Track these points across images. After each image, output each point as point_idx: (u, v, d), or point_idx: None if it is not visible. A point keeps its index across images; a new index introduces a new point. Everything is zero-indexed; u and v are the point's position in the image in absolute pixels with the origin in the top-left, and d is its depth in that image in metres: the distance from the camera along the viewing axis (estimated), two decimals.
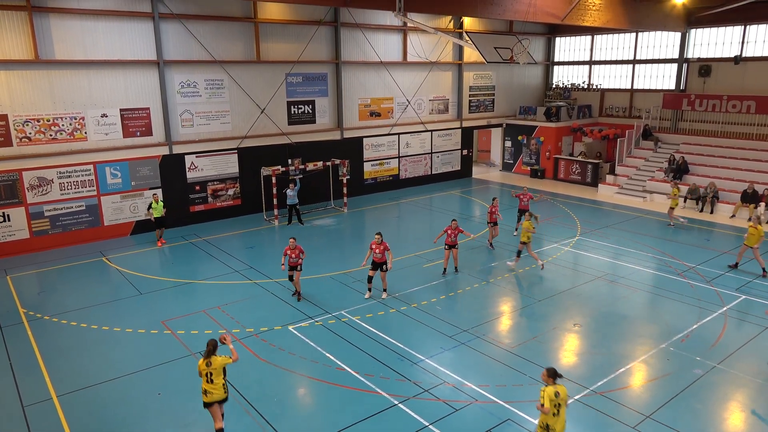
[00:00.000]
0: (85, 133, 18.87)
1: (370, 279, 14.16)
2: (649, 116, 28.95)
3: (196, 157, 21.15)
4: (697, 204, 23.25)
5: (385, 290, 14.25)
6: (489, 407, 9.59)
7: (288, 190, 21.00)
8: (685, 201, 23.55)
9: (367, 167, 26.35)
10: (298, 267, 13.91)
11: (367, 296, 14.16)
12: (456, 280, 15.43)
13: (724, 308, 13.52)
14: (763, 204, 21.53)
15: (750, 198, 21.93)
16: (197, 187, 21.36)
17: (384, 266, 14.01)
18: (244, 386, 10.24)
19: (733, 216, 22.11)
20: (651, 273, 16.04)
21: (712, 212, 22.79)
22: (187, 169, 20.98)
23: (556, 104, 30.95)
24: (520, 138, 31.27)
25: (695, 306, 13.67)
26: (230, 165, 22.00)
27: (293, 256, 13.79)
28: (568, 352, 11.77)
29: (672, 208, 20.51)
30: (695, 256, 17.24)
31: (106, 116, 19.15)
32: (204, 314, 13.35)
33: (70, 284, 15.53)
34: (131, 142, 19.79)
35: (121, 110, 19.41)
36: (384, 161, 26.93)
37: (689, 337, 12.15)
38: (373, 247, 13.93)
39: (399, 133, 27.20)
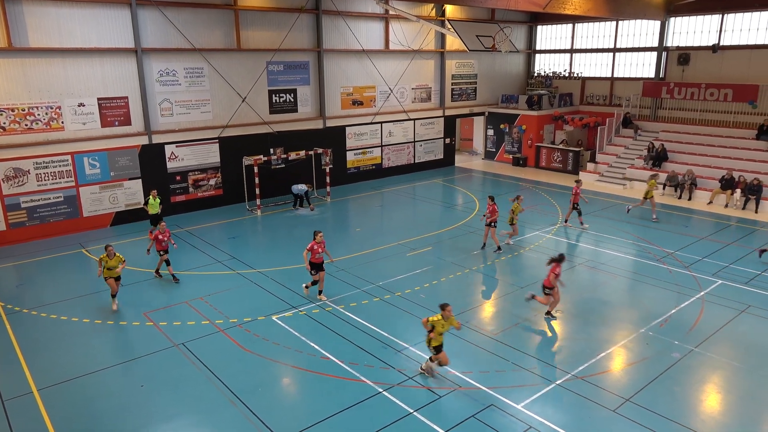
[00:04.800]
0: (62, 122, 18.51)
1: (315, 282, 13.41)
2: (629, 104, 29.23)
3: (177, 146, 20.88)
4: (676, 191, 23.61)
5: (321, 292, 13.46)
6: (472, 393, 9.70)
7: (301, 186, 21.53)
8: (664, 188, 23.89)
9: (350, 156, 26.26)
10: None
11: (323, 298, 13.41)
12: (438, 268, 15.49)
13: (702, 293, 13.79)
14: (738, 190, 21.93)
15: (727, 184, 22.32)
16: (178, 177, 21.12)
17: (321, 267, 13.25)
18: (228, 377, 10.23)
19: (710, 202, 22.50)
20: (631, 259, 16.28)
21: (690, 199, 23.16)
22: (167, 159, 20.72)
23: (537, 92, 31.09)
24: (502, 126, 31.39)
25: (674, 291, 13.92)
26: (211, 154, 21.77)
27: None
28: (551, 338, 11.92)
29: (646, 198, 19.80)
30: (674, 242, 17.52)
31: (84, 105, 18.80)
32: (187, 305, 13.26)
33: (48, 276, 15.30)
34: (109, 131, 19.47)
35: (98, 99, 19.06)
36: (367, 150, 26.85)
37: (668, 321, 12.38)
38: (315, 247, 12.96)
39: (382, 122, 27.13)
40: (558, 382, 10.04)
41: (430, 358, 10.16)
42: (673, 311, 12.86)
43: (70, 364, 10.83)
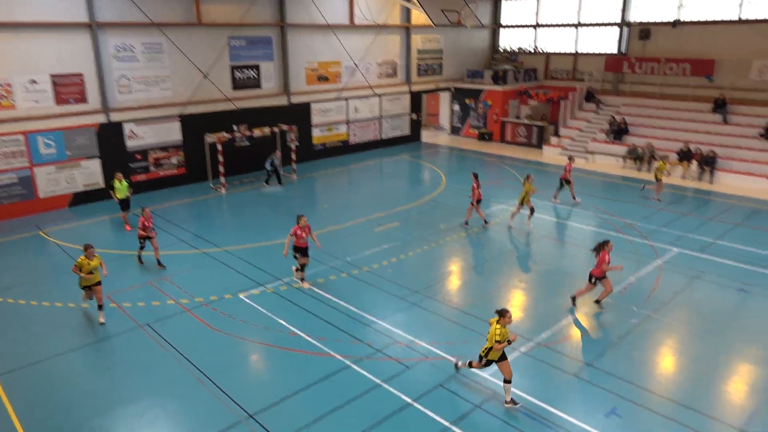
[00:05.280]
0: (13, 100, 17.76)
1: (303, 267, 12.90)
2: (592, 79, 29.64)
3: (136, 124, 20.30)
4: (636, 163, 24.18)
5: (303, 280, 12.98)
6: (439, 363, 9.89)
7: (274, 158, 21.29)
8: (624, 161, 24.45)
9: (316, 133, 26.01)
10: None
11: (307, 285, 12.93)
12: (405, 243, 15.60)
13: (659, 261, 14.27)
14: (695, 162, 22.59)
15: (684, 156, 22.97)
16: (138, 156, 20.58)
17: (306, 253, 12.78)
18: (196, 356, 10.17)
19: (669, 174, 23.13)
20: (593, 230, 16.69)
21: (650, 171, 23.76)
22: (126, 138, 20.15)
23: (502, 68, 31.22)
24: (467, 102, 31.48)
25: (633, 260, 14.36)
26: (173, 132, 21.26)
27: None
28: (515, 308, 12.20)
29: (658, 179, 19.45)
30: (633, 214, 18.01)
31: (36, 83, 18.05)
32: (150, 285, 13.07)
33: (5, 260, 14.83)
34: (65, 109, 18.77)
35: (51, 76, 18.31)
36: (333, 126, 26.63)
37: (627, 289, 12.80)
38: (299, 232, 12.50)
39: (347, 98, 26.89)
40: (522, 350, 10.31)
41: (468, 363, 9.23)
42: (632, 279, 13.29)
43: (32, 348, 10.59)
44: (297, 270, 13.09)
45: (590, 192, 20.51)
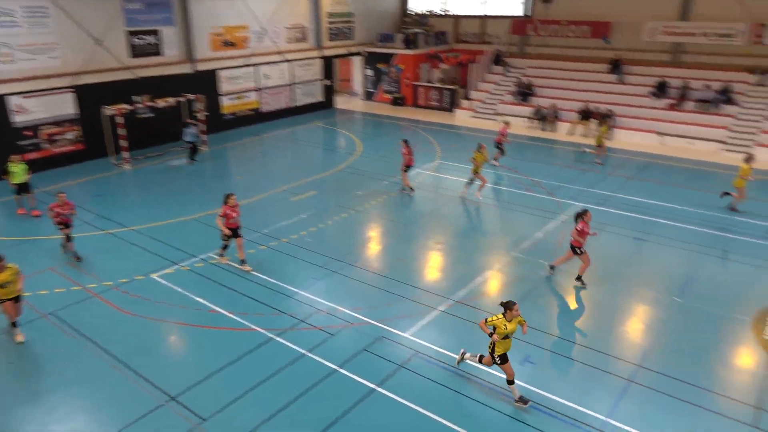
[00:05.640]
0: None
1: (226, 247, 12.33)
2: (500, 42, 30.36)
3: (23, 97, 18.57)
4: (541, 123, 25.26)
5: (244, 261, 12.23)
6: (363, 328, 10.06)
7: (191, 129, 20.16)
8: (531, 122, 25.47)
9: (225, 102, 24.99)
10: (71, 224, 12.30)
11: (225, 261, 12.48)
12: (324, 211, 15.52)
13: (563, 216, 15.14)
14: (594, 120, 23.92)
15: (584, 115, 24.27)
16: (28, 132, 18.90)
17: (238, 233, 12.09)
18: (108, 342, 9.71)
19: (571, 133, 24.40)
20: (503, 189, 17.38)
21: (554, 131, 24.94)
22: (12, 112, 18.41)
23: (413, 31, 31.24)
24: (380, 66, 31.34)
25: (539, 216, 15.13)
26: (66, 105, 19.65)
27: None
28: (432, 268, 12.58)
29: (600, 146, 19.99)
30: (540, 172, 18.91)
31: None
32: (52, 272, 12.23)
33: None
34: None
35: None
36: (242, 94, 25.68)
37: (536, 243, 13.52)
38: (228, 212, 11.82)
39: (257, 64, 25.94)
40: (441, 308, 10.69)
41: (478, 359, 8.66)
42: (539, 234, 14.04)
43: None
44: (222, 257, 12.47)
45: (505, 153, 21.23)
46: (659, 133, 22.97)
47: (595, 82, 26.49)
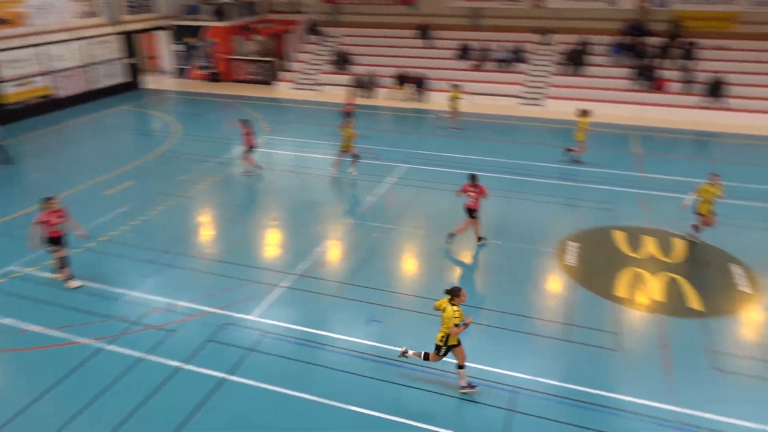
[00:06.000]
0: None
1: (64, 261, 10.47)
2: (313, 11, 30.18)
3: None
4: (360, 90, 25.85)
5: (71, 278, 10.54)
6: (205, 318, 9.63)
7: None
8: (352, 89, 25.96)
9: (9, 89, 21.60)
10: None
11: (75, 284, 10.57)
12: (145, 201, 14.37)
13: (393, 178, 15.84)
14: (410, 85, 25.11)
15: (400, 80, 25.37)
16: None
17: (62, 242, 10.36)
18: None
19: (391, 98, 25.40)
20: (331, 158, 17.61)
21: (373, 97, 25.73)
22: None
23: (222, 2, 29.67)
24: (188, 40, 29.38)
25: (371, 181, 15.66)
26: None
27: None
28: (271, 246, 12.42)
29: (454, 111, 20.47)
30: (365, 138, 19.44)
31: None
32: None
33: None
34: None
35: None
36: (29, 80, 22.40)
37: (369, 208, 14.00)
38: (45, 218, 10.08)
39: (42, 44, 22.70)
40: (284, 284, 10.64)
41: (424, 356, 8.03)
42: (371, 198, 14.55)
43: None
44: (60, 268, 10.57)
45: (326, 122, 21.39)
46: (468, 93, 24.90)
47: (407, 47, 27.73)
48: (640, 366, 8.50)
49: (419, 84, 24.95)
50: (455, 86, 20.69)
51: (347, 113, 19.80)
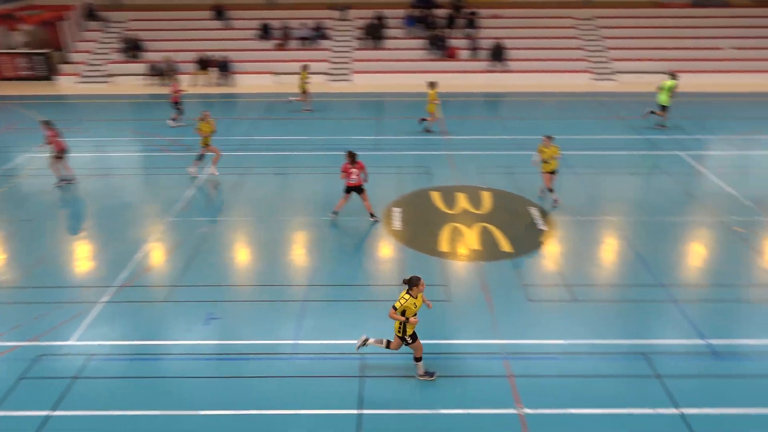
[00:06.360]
0: None
1: None
2: None
3: None
4: (159, 79, 24.00)
5: None
6: (13, 355, 8.34)
7: None
8: (147, 79, 23.99)
9: None
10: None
11: None
12: None
13: (208, 169, 15.10)
14: (213, 69, 23.95)
15: (203, 65, 24.08)
16: None
17: None
18: None
19: (194, 84, 24.00)
20: (138, 155, 16.24)
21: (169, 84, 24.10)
22: None
23: None
24: None
25: (186, 174, 14.73)
26: None
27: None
28: (83, 260, 11.14)
29: (305, 92, 19.93)
30: (170, 130, 18.22)
31: None
32: None
33: None
34: None
35: None
36: None
37: (189, 202, 13.22)
38: None
39: None
40: (104, 299, 9.65)
41: (385, 345, 7.86)
42: (189, 193, 13.75)
43: None
44: None
45: (124, 116, 19.56)
46: (274, 73, 24.54)
47: (204, 29, 26.34)
48: (468, 310, 9.38)
49: (223, 67, 23.93)
50: (304, 67, 20.14)
51: (175, 102, 18.45)
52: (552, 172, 12.71)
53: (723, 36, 25.70)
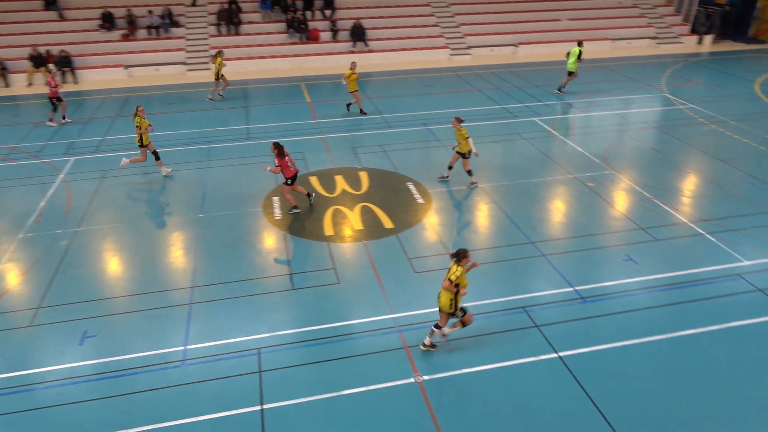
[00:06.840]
0: None
1: None
2: None
3: None
4: None
5: None
6: None
7: None
8: (49, 66, 21.16)
9: None
10: None
11: None
12: None
13: (61, 175, 13.73)
14: (52, 65, 21.60)
15: (39, 61, 21.59)
16: None
17: None
18: None
19: (30, 84, 21.51)
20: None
21: (8, 86, 21.45)
22: None
23: None
24: None
25: (34, 184, 13.29)
26: None
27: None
28: None
29: (218, 78, 19.17)
30: (10, 136, 16.26)
31: None
32: None
33: None
34: None
35: None
36: None
37: (42, 215, 11.93)
38: None
39: None
40: None
41: (436, 326, 8.01)
42: (42, 203, 12.42)
43: None
44: None
45: None
46: (125, 66, 22.72)
47: (35, 22, 23.59)
48: (359, 289, 9.52)
49: (64, 63, 21.65)
50: (219, 53, 19.01)
51: (54, 97, 16.42)
52: (463, 155, 12.69)
53: (561, 9, 28.21)
